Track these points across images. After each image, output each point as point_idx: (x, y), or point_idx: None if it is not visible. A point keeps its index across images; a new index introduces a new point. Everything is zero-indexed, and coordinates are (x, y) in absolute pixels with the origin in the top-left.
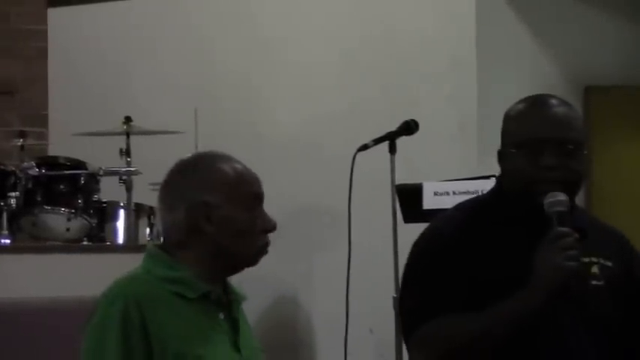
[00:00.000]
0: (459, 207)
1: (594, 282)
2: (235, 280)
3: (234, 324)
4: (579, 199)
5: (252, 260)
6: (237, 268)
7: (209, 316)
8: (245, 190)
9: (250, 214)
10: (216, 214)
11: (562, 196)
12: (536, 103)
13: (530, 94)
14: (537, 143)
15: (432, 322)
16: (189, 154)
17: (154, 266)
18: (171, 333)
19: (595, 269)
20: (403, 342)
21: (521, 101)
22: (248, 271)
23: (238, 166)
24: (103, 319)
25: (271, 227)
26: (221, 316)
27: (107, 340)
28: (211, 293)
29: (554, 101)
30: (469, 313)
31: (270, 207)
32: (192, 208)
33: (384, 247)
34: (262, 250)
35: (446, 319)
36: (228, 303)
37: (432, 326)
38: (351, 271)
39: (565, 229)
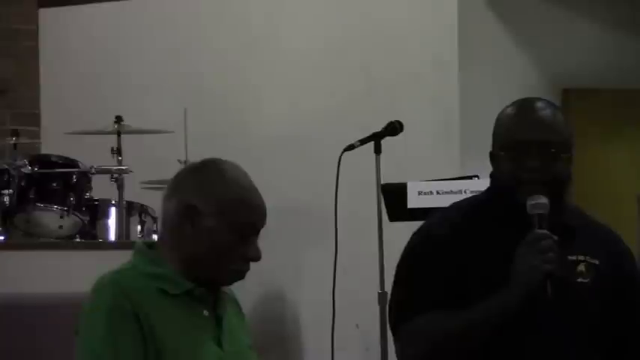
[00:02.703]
0: (455, 206)
1: (579, 280)
2: None
3: (219, 321)
4: None
5: (220, 281)
6: (207, 282)
7: (192, 313)
8: (240, 216)
9: (236, 237)
10: (200, 222)
11: (543, 199)
12: (521, 107)
13: (510, 96)
14: (520, 145)
15: (416, 320)
16: (209, 158)
17: (140, 262)
18: (158, 328)
19: (581, 267)
20: (391, 336)
21: (510, 104)
22: None
23: (246, 188)
24: (94, 309)
25: (252, 256)
26: (205, 312)
27: (99, 328)
28: (194, 290)
29: (540, 104)
30: (451, 312)
31: None
32: (182, 206)
33: (369, 244)
34: (235, 274)
35: (428, 317)
36: (214, 300)
37: (415, 323)
38: (337, 268)
39: (543, 232)
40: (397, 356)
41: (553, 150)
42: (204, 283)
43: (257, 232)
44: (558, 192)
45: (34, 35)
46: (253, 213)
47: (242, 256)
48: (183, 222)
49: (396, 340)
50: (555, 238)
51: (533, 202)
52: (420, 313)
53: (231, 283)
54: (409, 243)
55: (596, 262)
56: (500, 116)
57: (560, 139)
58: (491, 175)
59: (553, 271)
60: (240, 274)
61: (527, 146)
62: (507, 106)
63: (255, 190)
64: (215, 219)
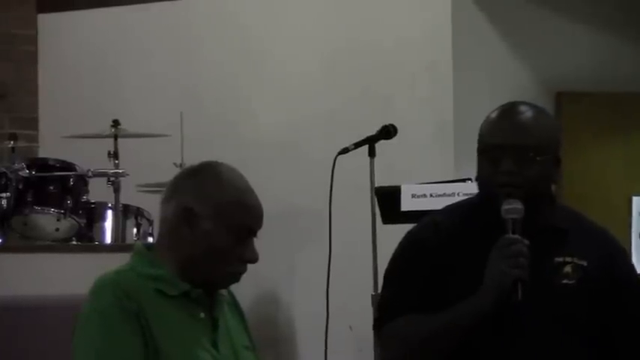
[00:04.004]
0: (446, 209)
1: (565, 281)
2: None
3: (215, 323)
4: None
5: (217, 283)
6: (204, 284)
7: (189, 315)
8: (236, 218)
9: (233, 239)
10: (198, 224)
11: (517, 204)
12: (502, 111)
13: (503, 99)
14: (496, 149)
15: (393, 322)
16: (207, 161)
17: (138, 263)
18: (153, 327)
19: (568, 269)
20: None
21: (495, 109)
22: None
23: (243, 190)
24: (95, 310)
25: (249, 258)
26: (202, 314)
27: (101, 328)
28: (192, 292)
29: (521, 108)
30: (427, 315)
31: None
32: (180, 209)
33: (363, 247)
34: (231, 277)
35: (405, 320)
36: (211, 302)
37: (392, 326)
38: (331, 270)
39: (514, 237)
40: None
41: (531, 154)
42: (201, 284)
43: (254, 234)
44: (538, 195)
45: (33, 40)
46: (250, 215)
47: (239, 257)
48: (180, 224)
49: (378, 340)
50: (527, 242)
51: (507, 206)
52: (399, 315)
53: (227, 285)
54: (398, 246)
55: (584, 263)
56: (485, 119)
57: (538, 142)
58: (476, 179)
59: (522, 275)
60: (237, 276)
61: (501, 150)
62: (492, 111)
63: (252, 192)
64: (212, 221)
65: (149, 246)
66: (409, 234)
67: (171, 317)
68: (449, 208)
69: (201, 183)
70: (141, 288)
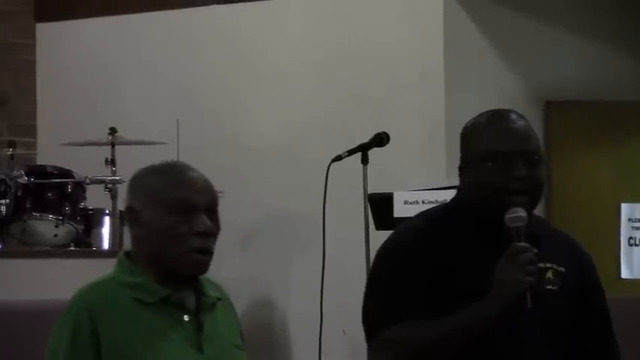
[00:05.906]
0: (420, 216)
1: (549, 286)
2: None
3: (201, 325)
4: (540, 209)
5: (181, 264)
6: (175, 274)
7: (171, 320)
8: (170, 196)
9: (176, 217)
10: (141, 219)
11: (522, 212)
12: (499, 117)
13: (494, 108)
14: (508, 155)
15: (392, 328)
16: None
17: (119, 272)
18: (125, 340)
19: (549, 274)
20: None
21: (480, 116)
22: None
23: (175, 171)
24: (57, 327)
25: (198, 230)
26: (186, 318)
27: (58, 347)
28: (171, 297)
29: (514, 115)
30: (427, 320)
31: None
32: (125, 212)
33: (356, 252)
34: (196, 254)
35: (405, 325)
36: (197, 305)
37: (391, 332)
38: (325, 275)
39: (524, 245)
40: None
41: (536, 158)
42: (176, 277)
43: (201, 208)
44: (538, 199)
45: (31, 49)
46: (182, 188)
47: (191, 233)
48: (130, 226)
49: (371, 348)
50: (535, 250)
51: (512, 215)
52: (397, 321)
53: (199, 266)
54: (378, 254)
55: (562, 269)
56: (472, 127)
57: (537, 148)
58: (461, 187)
59: (535, 283)
60: (196, 251)
61: (514, 155)
62: (476, 118)
63: (186, 168)
64: (150, 210)
65: (130, 253)
66: (389, 241)
67: (147, 325)
68: (425, 214)
69: (135, 180)
70: (116, 298)
